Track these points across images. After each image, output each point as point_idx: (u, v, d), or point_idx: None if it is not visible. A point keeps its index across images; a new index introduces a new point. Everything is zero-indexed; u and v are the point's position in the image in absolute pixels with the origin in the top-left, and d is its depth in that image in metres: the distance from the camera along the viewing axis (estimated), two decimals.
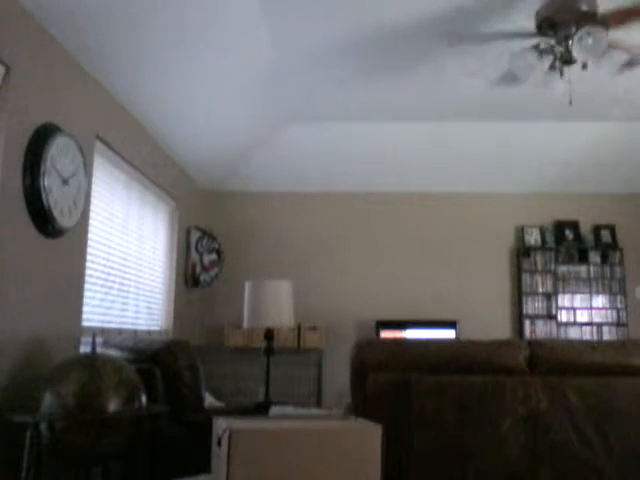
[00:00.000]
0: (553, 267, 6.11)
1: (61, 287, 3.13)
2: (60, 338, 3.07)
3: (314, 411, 3.28)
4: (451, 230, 6.24)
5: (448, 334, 5.89)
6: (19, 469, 2.31)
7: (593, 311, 6.01)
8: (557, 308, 6.02)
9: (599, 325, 5.99)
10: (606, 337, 5.96)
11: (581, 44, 3.32)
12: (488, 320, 6.04)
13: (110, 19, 3.07)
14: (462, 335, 5.88)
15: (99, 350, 2.81)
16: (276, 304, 3.76)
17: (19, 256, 2.74)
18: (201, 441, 2.24)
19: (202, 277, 5.71)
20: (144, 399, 2.49)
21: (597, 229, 6.22)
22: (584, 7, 3.37)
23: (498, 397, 2.45)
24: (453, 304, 6.04)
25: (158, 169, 4.75)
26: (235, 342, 5.73)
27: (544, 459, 2.42)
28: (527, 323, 6.03)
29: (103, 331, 3.69)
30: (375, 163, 5.85)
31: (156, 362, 2.90)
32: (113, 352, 3.08)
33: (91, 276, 3.56)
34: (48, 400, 2.31)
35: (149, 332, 4.62)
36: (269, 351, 3.82)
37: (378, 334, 5.89)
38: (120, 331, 4.00)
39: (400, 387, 2.48)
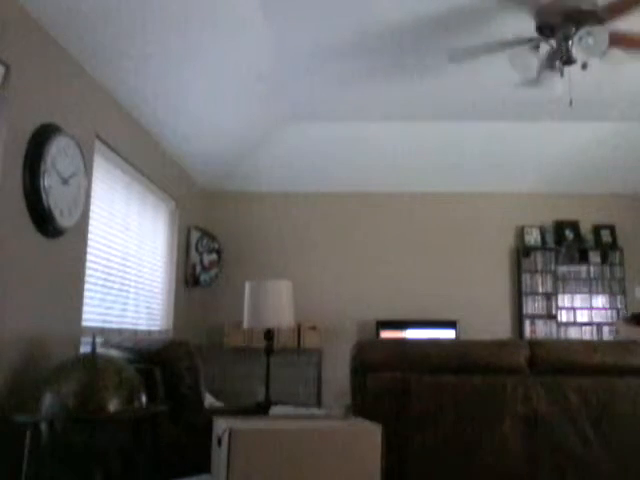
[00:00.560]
0: (553, 267, 6.11)
1: (61, 287, 3.13)
2: (60, 338, 3.07)
3: (314, 411, 3.28)
4: (451, 230, 6.24)
5: (448, 334, 5.89)
6: (19, 469, 2.31)
7: (593, 311, 6.01)
8: (557, 308, 6.02)
9: (599, 325, 5.99)
10: (606, 337, 5.96)
11: (581, 44, 3.33)
12: (488, 320, 6.04)
13: (110, 19, 3.07)
14: (462, 335, 5.88)
15: (99, 350, 2.80)
16: (276, 304, 3.76)
17: (19, 256, 2.74)
18: (201, 441, 2.24)
19: (202, 277, 5.71)
20: (144, 399, 2.49)
21: (597, 229, 6.22)
22: (584, 7, 3.38)
23: (498, 397, 2.45)
24: (453, 304, 6.04)
25: (158, 169, 4.75)
26: (235, 342, 5.73)
27: (544, 459, 2.42)
28: (527, 323, 6.03)
29: (103, 331, 3.69)
30: (375, 163, 5.85)
31: (156, 362, 2.90)
32: (113, 352, 3.08)
33: (91, 276, 3.56)
34: (48, 400, 2.31)
35: (149, 332, 4.62)
36: (269, 351, 3.82)
37: (378, 334, 5.89)
38: (120, 331, 4.00)
39: (400, 387, 2.48)
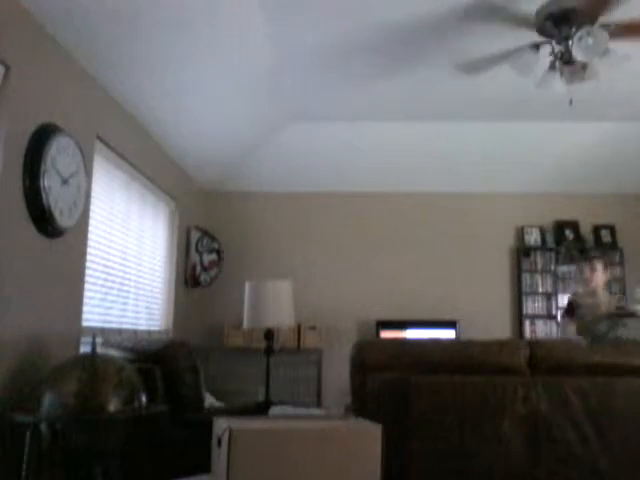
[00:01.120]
0: (553, 267, 6.11)
1: (61, 287, 3.13)
2: (60, 338, 3.07)
3: (314, 411, 3.28)
4: (451, 230, 6.24)
5: (448, 334, 5.89)
6: (19, 469, 2.31)
7: None
8: (557, 308, 6.02)
9: None
10: None
11: (581, 44, 3.32)
12: (488, 320, 6.03)
13: (110, 19, 3.07)
14: (462, 335, 5.88)
15: (99, 350, 2.80)
16: (276, 304, 3.76)
17: (19, 256, 2.73)
18: (201, 441, 2.24)
19: (202, 277, 5.71)
20: (144, 399, 2.49)
21: (597, 229, 6.22)
22: (584, 7, 3.37)
23: (498, 397, 2.45)
24: (453, 304, 6.03)
25: (158, 169, 4.75)
26: (235, 342, 5.73)
27: (544, 459, 2.42)
28: (527, 323, 6.03)
29: (103, 331, 3.69)
30: (375, 163, 5.85)
31: (156, 362, 2.90)
32: (113, 352, 3.08)
33: (91, 276, 3.56)
34: (48, 400, 2.31)
35: (149, 332, 4.62)
36: (269, 351, 3.82)
37: (378, 334, 5.89)
38: (120, 331, 4.00)
39: (400, 387, 2.48)
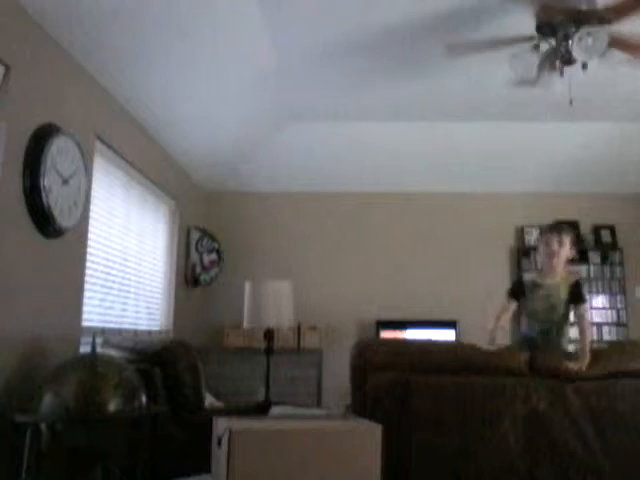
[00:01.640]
0: None
1: (61, 287, 3.13)
2: (60, 338, 3.07)
3: (314, 411, 3.28)
4: (451, 230, 6.24)
5: (448, 334, 5.88)
6: (19, 469, 2.31)
7: (593, 311, 6.00)
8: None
9: (599, 325, 5.99)
10: (606, 337, 5.96)
11: (581, 44, 3.32)
12: (488, 320, 6.02)
13: (110, 19, 3.07)
14: (462, 335, 5.87)
15: (99, 350, 2.80)
16: (276, 304, 3.76)
17: (19, 256, 2.73)
18: (201, 441, 2.24)
19: (202, 277, 5.71)
20: (144, 399, 2.49)
21: (597, 229, 6.22)
22: (584, 7, 3.37)
23: (498, 397, 2.45)
24: (453, 304, 6.03)
25: (158, 169, 4.75)
26: (235, 342, 5.73)
27: (544, 459, 2.42)
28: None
29: (103, 331, 3.68)
30: (375, 163, 5.85)
31: (156, 362, 2.90)
32: (113, 352, 3.08)
33: (91, 276, 3.56)
34: (48, 400, 2.31)
35: (149, 332, 4.62)
36: (269, 351, 3.82)
37: (378, 334, 5.88)
38: (120, 331, 4.00)
39: (400, 387, 2.48)
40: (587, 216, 6.24)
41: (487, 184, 6.15)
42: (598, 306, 6.02)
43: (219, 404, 3.99)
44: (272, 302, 3.76)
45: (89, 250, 3.49)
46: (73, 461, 2.41)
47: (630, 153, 5.67)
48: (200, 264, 5.68)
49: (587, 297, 3.05)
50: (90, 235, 3.50)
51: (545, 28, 3.52)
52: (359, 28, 3.73)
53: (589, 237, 6.20)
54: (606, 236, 6.19)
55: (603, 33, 3.30)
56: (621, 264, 6.09)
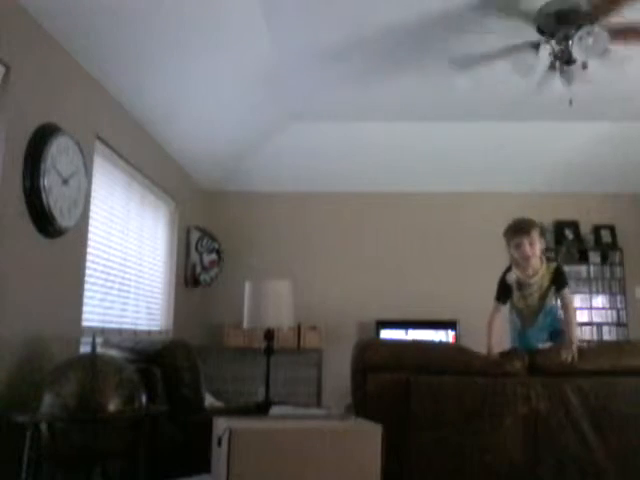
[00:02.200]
0: None
1: (61, 287, 3.13)
2: (60, 338, 3.07)
3: (314, 411, 3.28)
4: (451, 230, 6.24)
5: (448, 334, 5.88)
6: (19, 469, 2.31)
7: (593, 311, 6.01)
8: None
9: (599, 325, 5.98)
10: (606, 337, 5.95)
11: (581, 44, 3.33)
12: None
13: (110, 19, 3.07)
14: (462, 335, 5.87)
15: (99, 350, 2.80)
16: (276, 304, 3.76)
17: (19, 256, 2.73)
18: (201, 441, 2.24)
19: (202, 277, 5.71)
20: (144, 399, 2.49)
21: (597, 229, 6.22)
22: (584, 7, 3.38)
23: (498, 397, 2.45)
24: (453, 304, 6.02)
25: (158, 169, 4.75)
26: (235, 342, 5.73)
27: (544, 459, 2.42)
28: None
29: (103, 331, 3.68)
30: (375, 163, 5.85)
31: (156, 362, 2.90)
32: (113, 352, 3.08)
33: (91, 276, 3.56)
34: (48, 400, 2.31)
35: (149, 332, 4.62)
36: (269, 351, 3.82)
37: (378, 334, 5.88)
38: (120, 331, 4.00)
39: (400, 387, 2.48)
40: (587, 216, 6.24)
41: (487, 184, 6.15)
42: (598, 306, 6.02)
43: (219, 404, 3.99)
44: (272, 302, 3.76)
45: (89, 250, 3.49)
46: (73, 461, 2.41)
47: (630, 153, 5.67)
48: (200, 264, 5.68)
49: (568, 281, 3.02)
50: (90, 235, 3.50)
51: (545, 28, 3.52)
52: (359, 28, 3.73)
53: (589, 237, 6.20)
54: (606, 236, 6.19)
55: (603, 33, 3.30)
56: (621, 264, 6.09)
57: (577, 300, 6.01)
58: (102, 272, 3.75)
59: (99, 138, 3.61)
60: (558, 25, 3.45)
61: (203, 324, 6.00)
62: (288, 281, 3.92)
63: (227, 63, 3.99)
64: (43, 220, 2.86)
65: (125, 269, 4.14)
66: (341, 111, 5.12)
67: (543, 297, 3.00)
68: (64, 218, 3.02)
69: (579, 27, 3.37)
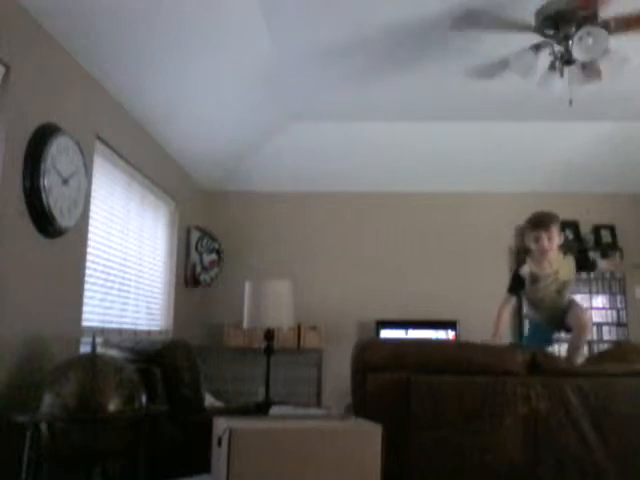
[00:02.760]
0: None
1: (61, 287, 3.13)
2: (60, 338, 3.07)
3: (314, 411, 3.28)
4: (451, 230, 6.24)
5: (448, 334, 5.88)
6: (19, 469, 2.31)
7: (593, 311, 6.00)
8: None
9: (599, 325, 5.98)
10: (606, 337, 5.95)
11: (581, 44, 3.32)
12: (488, 320, 6.01)
13: (110, 19, 3.07)
14: (462, 335, 5.87)
15: (99, 350, 2.80)
16: (276, 304, 3.77)
17: (19, 256, 2.73)
18: (201, 441, 2.24)
19: (202, 277, 5.71)
20: (144, 399, 2.49)
21: (597, 229, 6.21)
22: (584, 7, 3.37)
23: (498, 397, 2.45)
24: (453, 304, 6.02)
25: (158, 169, 4.75)
26: (235, 342, 5.73)
27: (544, 459, 2.42)
28: (527, 323, 6.02)
29: (103, 331, 3.68)
30: (375, 163, 5.85)
31: (156, 362, 2.90)
32: (113, 352, 3.08)
33: (91, 276, 3.56)
34: (48, 400, 2.31)
35: (149, 332, 4.62)
36: (269, 351, 3.82)
37: (378, 334, 5.88)
38: (120, 331, 4.00)
39: (400, 387, 2.48)
40: (587, 216, 6.24)
41: (487, 184, 6.15)
42: (598, 306, 6.02)
43: (219, 404, 4.00)
44: (272, 302, 3.76)
45: (89, 250, 3.49)
46: (73, 461, 2.41)
47: (630, 153, 5.67)
48: (200, 264, 5.68)
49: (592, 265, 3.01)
50: (90, 235, 3.50)
51: (545, 28, 3.52)
52: (359, 28, 3.73)
53: (589, 237, 6.19)
54: (606, 236, 6.18)
55: (603, 33, 3.30)
56: (621, 264, 6.09)
57: (577, 300, 6.00)
58: (102, 272, 3.75)
59: (99, 138, 3.61)
60: (558, 25, 3.45)
61: (203, 324, 6.00)
62: (288, 281, 3.92)
63: (227, 63, 3.99)
64: (43, 220, 2.86)
65: (125, 269, 4.14)
66: (341, 111, 5.12)
67: (560, 290, 2.98)
68: (64, 218, 3.02)
69: (579, 27, 3.37)
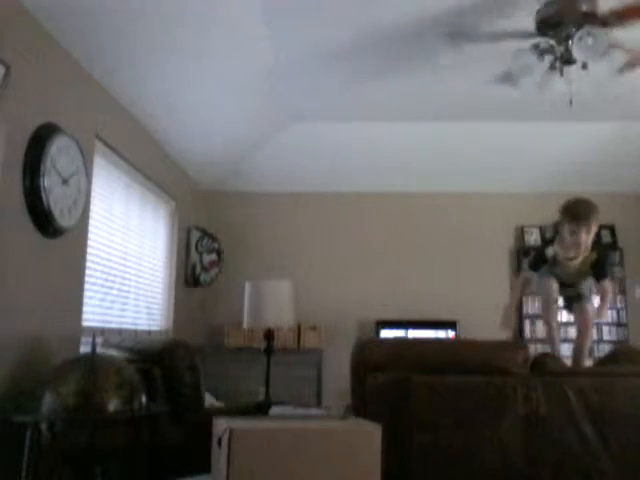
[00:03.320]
0: None
1: (61, 287, 3.13)
2: (60, 338, 3.07)
3: (314, 411, 3.28)
4: (451, 230, 6.24)
5: (448, 334, 5.88)
6: (19, 469, 2.31)
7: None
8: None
9: (599, 325, 5.98)
10: (606, 337, 5.96)
11: (581, 44, 3.32)
12: (488, 320, 6.00)
13: (110, 19, 3.07)
14: (462, 335, 5.87)
15: (99, 350, 2.80)
16: (276, 304, 3.76)
17: (19, 256, 2.73)
18: (201, 441, 2.24)
19: (202, 277, 5.70)
20: (144, 399, 2.49)
21: (597, 229, 6.20)
22: (584, 7, 3.37)
23: (498, 397, 2.45)
24: (453, 304, 6.03)
25: (158, 169, 4.75)
26: (235, 342, 5.73)
27: (544, 459, 2.42)
28: (527, 323, 6.03)
29: (103, 331, 3.68)
30: (375, 163, 5.85)
31: (156, 362, 2.90)
32: (113, 352, 3.08)
33: (91, 276, 3.56)
34: (48, 400, 2.31)
35: (149, 332, 4.62)
36: (269, 351, 3.82)
37: (378, 334, 5.88)
38: (120, 331, 4.00)
39: (400, 387, 2.48)
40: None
41: (487, 184, 6.15)
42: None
43: (219, 404, 3.99)
44: (272, 302, 3.76)
45: (89, 250, 3.49)
46: (73, 461, 2.41)
47: (630, 153, 5.67)
48: (200, 264, 5.68)
49: (610, 271, 2.89)
50: (90, 235, 3.50)
51: (545, 28, 3.52)
52: (359, 28, 3.73)
53: None
54: (606, 236, 6.18)
55: (603, 33, 3.29)
56: (621, 264, 6.09)
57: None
58: (102, 272, 3.75)
59: (99, 138, 3.61)
60: (558, 25, 3.45)
61: (203, 324, 6.00)
62: (288, 281, 3.92)
63: (227, 63, 3.99)
64: (43, 220, 2.86)
65: (125, 269, 4.14)
66: (341, 111, 5.12)
67: (581, 276, 2.89)
68: (64, 218, 3.02)
69: (579, 27, 3.37)
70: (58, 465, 2.47)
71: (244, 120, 4.99)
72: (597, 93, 4.56)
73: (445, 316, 5.98)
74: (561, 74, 3.64)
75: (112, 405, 2.33)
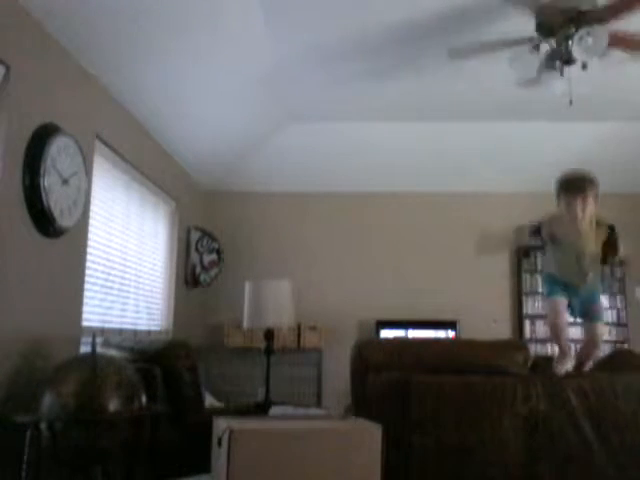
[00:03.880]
0: None
1: (61, 287, 3.13)
2: (60, 338, 3.07)
3: (314, 411, 3.28)
4: (451, 230, 6.23)
5: (448, 334, 5.88)
6: (19, 469, 2.31)
7: None
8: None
9: None
10: (606, 337, 5.95)
11: (581, 44, 3.32)
12: (488, 320, 6.03)
13: (110, 19, 3.07)
14: (462, 335, 5.87)
15: (99, 350, 2.80)
16: (276, 304, 3.76)
17: (19, 256, 2.73)
18: (201, 441, 2.24)
19: (202, 277, 5.70)
20: (144, 399, 2.49)
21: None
22: (584, 7, 3.37)
23: (498, 397, 2.45)
24: (453, 304, 6.02)
25: (158, 169, 4.74)
26: (235, 342, 5.73)
27: (544, 459, 2.42)
28: (527, 323, 6.03)
29: (103, 331, 3.68)
30: (375, 163, 5.85)
31: (156, 362, 2.90)
32: (113, 352, 3.08)
33: (91, 276, 3.56)
34: (48, 400, 2.31)
35: (149, 332, 4.62)
36: (269, 351, 3.82)
37: (378, 334, 5.88)
38: (120, 331, 4.00)
39: (400, 387, 2.48)
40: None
41: (487, 184, 6.15)
42: None
43: (219, 404, 4.00)
44: (272, 302, 3.75)
45: (89, 250, 3.49)
46: (73, 461, 2.41)
47: (630, 153, 5.67)
48: (200, 264, 5.68)
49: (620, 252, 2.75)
50: (90, 235, 3.50)
51: (545, 28, 3.52)
52: (358, 29, 3.73)
53: None
54: None
55: (603, 33, 3.29)
56: (621, 264, 6.08)
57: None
58: (102, 272, 3.75)
59: (99, 138, 3.61)
60: (558, 25, 3.45)
61: (203, 324, 6.00)
62: (288, 281, 3.92)
63: (227, 63, 3.99)
64: (43, 220, 2.86)
65: (125, 269, 4.14)
66: (341, 111, 5.12)
67: (579, 259, 2.75)
68: (64, 218, 3.02)
69: (579, 27, 3.37)
70: (58, 465, 2.47)
71: (244, 120, 4.99)
72: (597, 93, 4.56)
73: (445, 316, 5.98)
74: (561, 74, 3.65)
75: (112, 405, 2.33)
